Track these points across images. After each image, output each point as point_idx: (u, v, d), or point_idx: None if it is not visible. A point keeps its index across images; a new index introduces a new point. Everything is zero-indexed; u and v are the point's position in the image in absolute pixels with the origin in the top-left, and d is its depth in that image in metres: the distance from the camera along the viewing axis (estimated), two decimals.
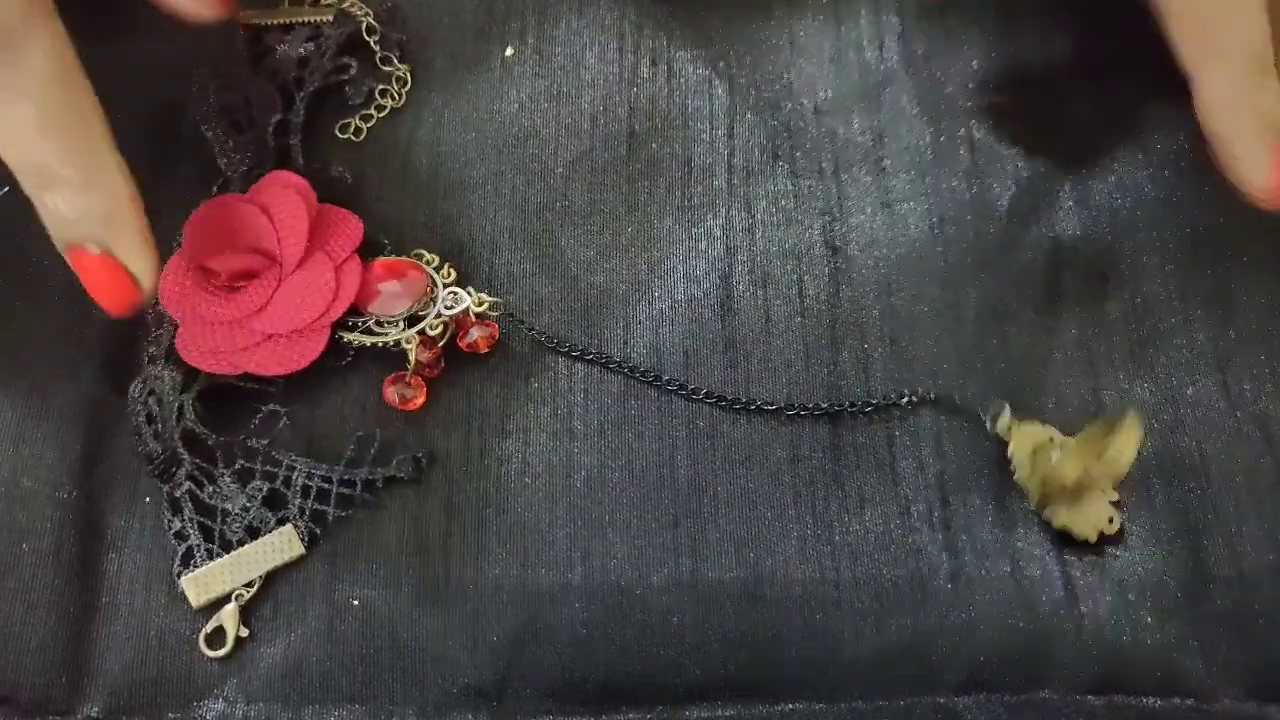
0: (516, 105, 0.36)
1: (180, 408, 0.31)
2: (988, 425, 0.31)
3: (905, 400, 0.32)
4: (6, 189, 0.35)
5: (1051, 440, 0.30)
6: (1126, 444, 0.30)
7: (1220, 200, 0.32)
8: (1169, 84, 0.31)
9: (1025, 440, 0.30)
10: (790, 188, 0.35)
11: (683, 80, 0.36)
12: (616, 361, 0.32)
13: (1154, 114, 0.35)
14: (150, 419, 0.31)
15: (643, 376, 0.32)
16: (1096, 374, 0.32)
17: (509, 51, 0.37)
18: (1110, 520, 0.30)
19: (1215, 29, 0.30)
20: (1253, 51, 0.30)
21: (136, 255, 0.29)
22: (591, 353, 0.33)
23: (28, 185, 0.28)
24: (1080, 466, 0.30)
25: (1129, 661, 0.29)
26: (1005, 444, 0.31)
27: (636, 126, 0.36)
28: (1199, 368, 0.32)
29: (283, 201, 0.32)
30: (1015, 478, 0.30)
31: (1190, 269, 0.33)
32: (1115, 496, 0.31)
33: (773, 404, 0.32)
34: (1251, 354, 0.32)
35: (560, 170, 0.35)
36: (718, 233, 0.34)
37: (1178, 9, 0.30)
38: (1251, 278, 0.33)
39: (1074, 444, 0.30)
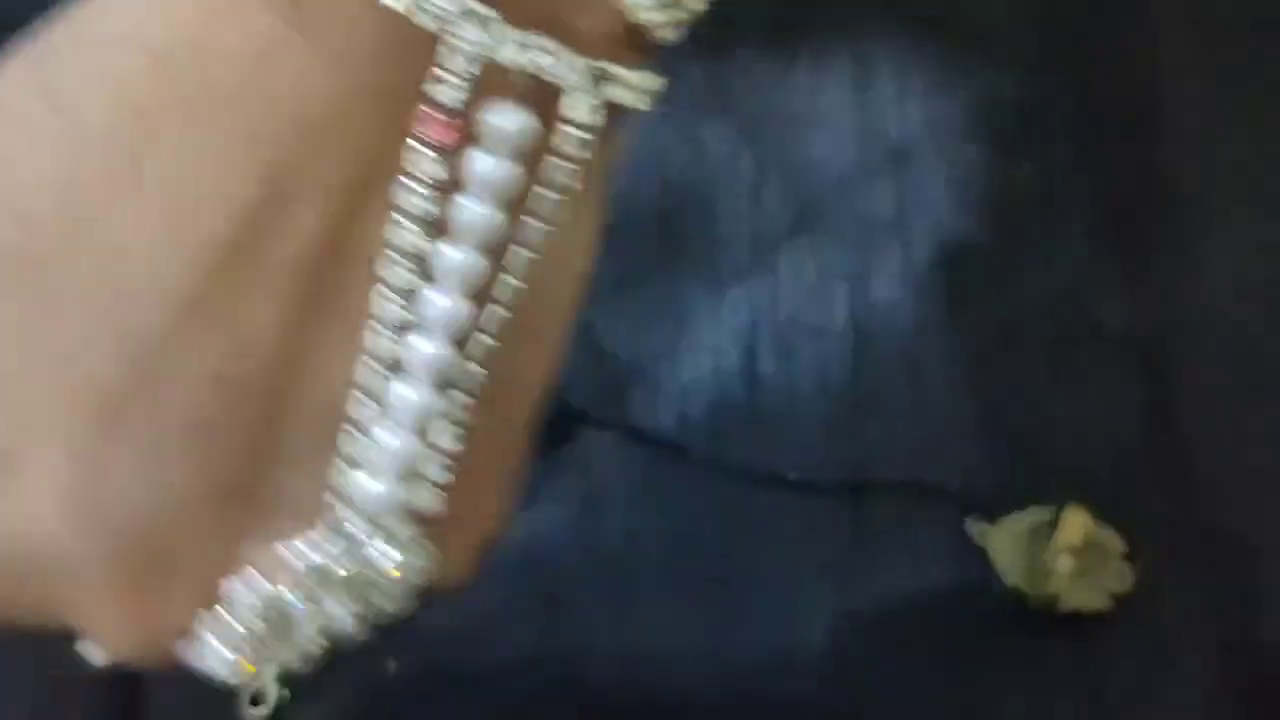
0: None
1: None
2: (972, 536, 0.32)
3: (927, 484, 0.33)
4: None
5: (1034, 525, 0.31)
6: (1068, 531, 0.30)
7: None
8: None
9: (1004, 542, 0.31)
10: (814, 259, 0.36)
11: (710, 155, 0.38)
12: (644, 432, 0.34)
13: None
14: None
15: (669, 447, 0.33)
16: (1117, 442, 0.33)
17: None
18: (1121, 577, 0.31)
19: None
20: None
21: None
22: (619, 424, 0.34)
23: None
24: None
25: None
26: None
27: (664, 202, 0.37)
28: (1226, 434, 0.33)
29: None
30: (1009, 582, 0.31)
31: (1214, 325, 0.34)
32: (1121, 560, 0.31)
33: (796, 477, 0.33)
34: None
35: None
36: (742, 305, 0.35)
37: None
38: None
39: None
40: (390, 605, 0.20)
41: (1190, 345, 0.34)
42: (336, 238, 0.17)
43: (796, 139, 0.38)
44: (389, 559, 0.18)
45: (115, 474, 0.17)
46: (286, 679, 0.31)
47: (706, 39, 0.38)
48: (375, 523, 0.18)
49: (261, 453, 0.17)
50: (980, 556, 0.32)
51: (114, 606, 0.18)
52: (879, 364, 0.34)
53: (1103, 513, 0.31)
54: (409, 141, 0.16)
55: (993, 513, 0.32)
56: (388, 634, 0.32)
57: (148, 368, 0.16)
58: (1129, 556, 0.31)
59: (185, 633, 0.19)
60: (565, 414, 0.34)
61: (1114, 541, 0.31)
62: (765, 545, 0.32)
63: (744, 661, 0.31)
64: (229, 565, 0.18)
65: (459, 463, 0.18)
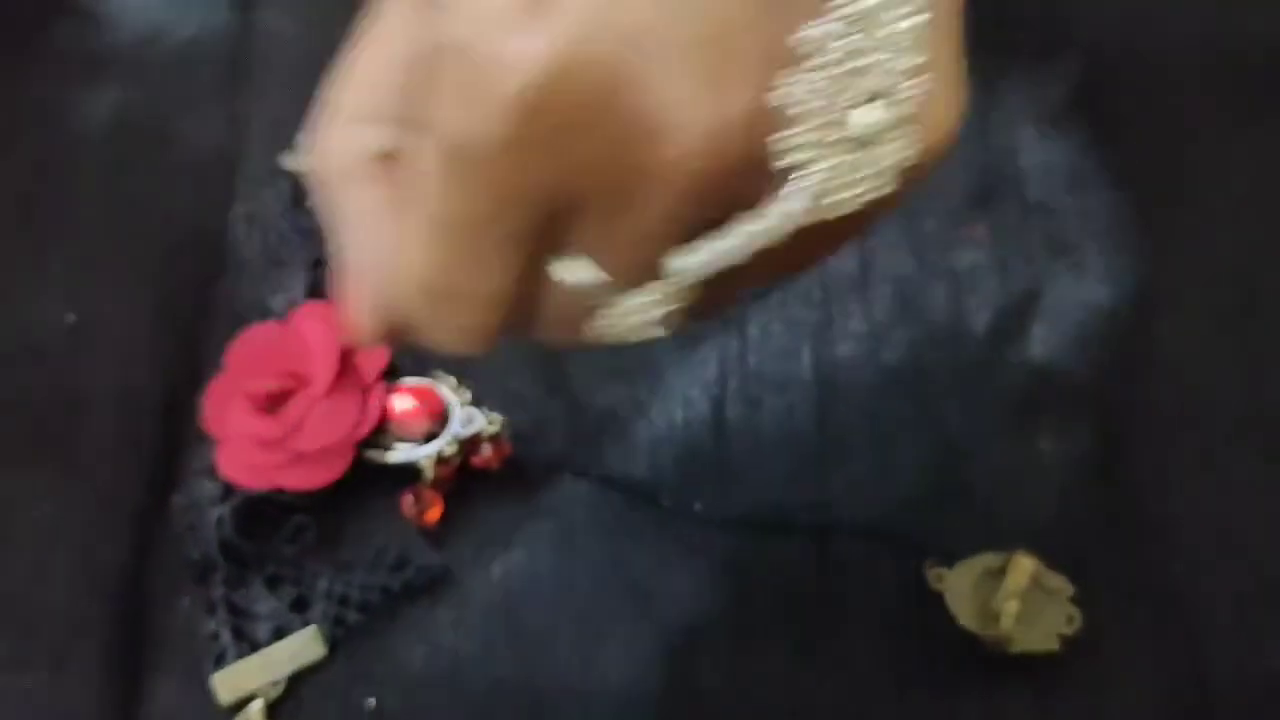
0: None
1: (219, 518, 0.34)
2: (928, 580, 0.33)
3: (887, 530, 0.34)
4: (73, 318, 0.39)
5: (987, 570, 0.33)
6: (1015, 576, 0.32)
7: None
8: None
9: (958, 586, 0.33)
10: (781, 316, 0.38)
11: None
12: (616, 479, 0.35)
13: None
14: (191, 528, 0.34)
15: (640, 494, 0.35)
16: (1068, 492, 0.35)
17: None
18: (1069, 619, 0.32)
19: None
20: None
21: None
22: (593, 471, 0.35)
23: None
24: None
25: None
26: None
27: None
28: (1170, 485, 0.35)
29: (316, 330, 0.36)
30: (962, 624, 0.33)
31: (1160, 382, 0.36)
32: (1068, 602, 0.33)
33: (761, 523, 0.35)
34: (1228, 465, 0.35)
35: None
36: (712, 359, 0.37)
37: None
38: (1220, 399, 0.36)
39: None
40: (885, 164, 0.21)
41: (1139, 396, 0.36)
42: None
43: None
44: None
45: None
46: (270, 707, 0.33)
47: None
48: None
49: None
50: (937, 599, 0.33)
51: (693, 89, 0.20)
52: (841, 415, 0.36)
53: (1053, 557, 0.33)
54: None
55: (950, 557, 0.34)
56: (368, 669, 0.33)
57: None
58: (1077, 600, 0.33)
59: (751, 110, 0.20)
60: (542, 462, 0.36)
61: (1062, 586, 0.33)
62: (731, 587, 0.34)
63: (707, 698, 0.32)
64: (779, 58, 0.20)
65: (918, 48, 0.20)
